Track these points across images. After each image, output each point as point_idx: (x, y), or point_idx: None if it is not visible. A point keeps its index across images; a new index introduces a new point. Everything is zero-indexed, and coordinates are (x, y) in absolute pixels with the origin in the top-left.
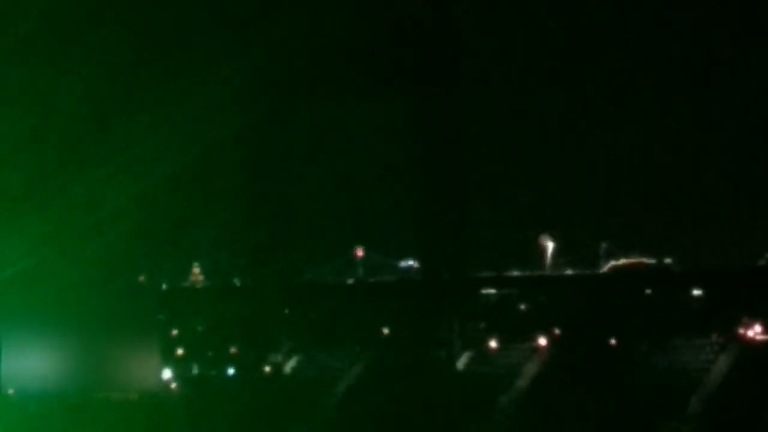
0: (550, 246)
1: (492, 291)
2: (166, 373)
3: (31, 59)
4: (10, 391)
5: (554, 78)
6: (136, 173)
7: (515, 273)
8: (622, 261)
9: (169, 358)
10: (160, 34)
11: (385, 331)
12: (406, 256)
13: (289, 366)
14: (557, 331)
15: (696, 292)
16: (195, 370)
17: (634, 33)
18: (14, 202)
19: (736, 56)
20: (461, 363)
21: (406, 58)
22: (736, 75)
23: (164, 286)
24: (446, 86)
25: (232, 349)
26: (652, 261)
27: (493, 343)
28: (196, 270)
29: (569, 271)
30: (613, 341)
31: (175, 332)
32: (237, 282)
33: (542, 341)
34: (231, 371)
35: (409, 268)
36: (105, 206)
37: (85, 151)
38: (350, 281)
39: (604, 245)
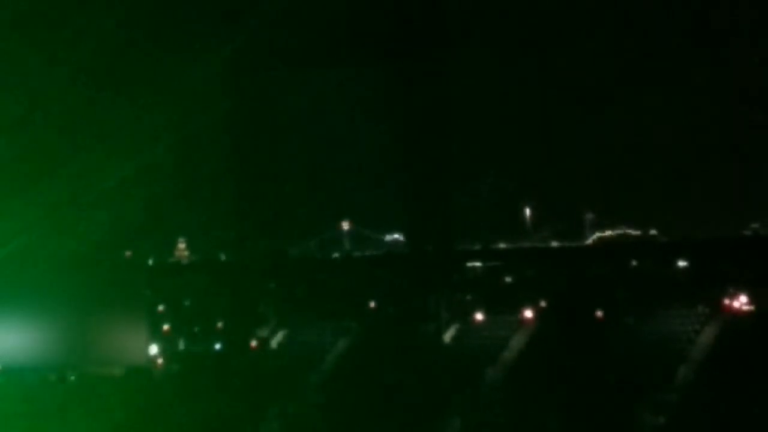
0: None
1: (478, 264)
2: (153, 349)
3: (18, 41)
4: None
5: (540, 48)
6: (122, 152)
7: (501, 245)
8: (608, 233)
9: (155, 334)
10: (141, 15)
11: (372, 304)
12: (392, 230)
13: (276, 341)
14: (543, 303)
15: (681, 263)
16: (181, 346)
17: (623, 5)
18: None
19: (721, 27)
20: (448, 336)
21: (392, 30)
22: (718, 44)
23: (150, 262)
24: (432, 58)
25: (219, 324)
26: (637, 232)
27: (479, 316)
28: (182, 245)
29: (555, 243)
30: (599, 313)
31: (161, 308)
32: (223, 257)
33: (528, 313)
34: (217, 346)
35: (396, 241)
36: (91, 184)
37: (71, 130)
38: (336, 255)
39: (589, 217)
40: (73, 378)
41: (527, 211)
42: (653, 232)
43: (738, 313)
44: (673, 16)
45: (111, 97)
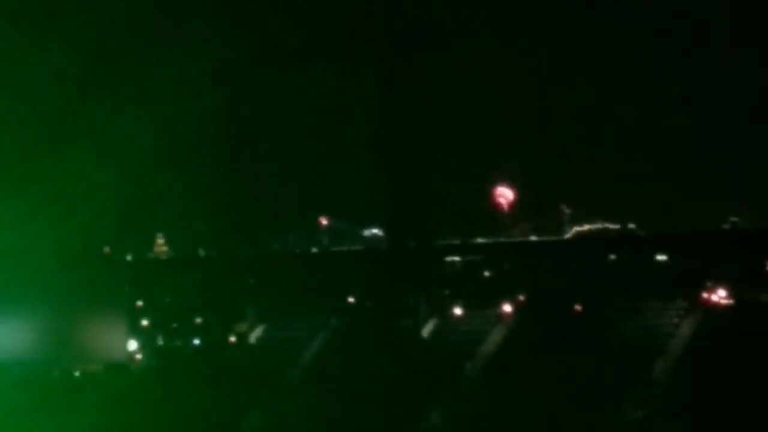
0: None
1: (457, 258)
2: (132, 345)
3: (5, 38)
4: None
5: (521, 43)
6: (102, 149)
7: (480, 240)
8: (586, 227)
9: (134, 330)
10: (124, 13)
11: (351, 299)
12: (370, 225)
13: (255, 336)
14: (522, 298)
15: (660, 257)
16: (160, 341)
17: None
18: None
19: (701, 18)
20: (427, 330)
21: (372, 25)
22: (696, 40)
23: (129, 258)
24: (413, 55)
25: (198, 320)
26: (616, 226)
27: (458, 311)
28: (160, 241)
29: (533, 238)
30: (578, 307)
31: (140, 303)
32: (202, 253)
33: (507, 308)
34: (196, 342)
35: (374, 236)
36: (70, 181)
37: (51, 129)
38: (315, 250)
39: (567, 211)
40: (55, 374)
41: (506, 206)
42: (632, 225)
43: (717, 307)
44: (652, 13)
45: (91, 95)
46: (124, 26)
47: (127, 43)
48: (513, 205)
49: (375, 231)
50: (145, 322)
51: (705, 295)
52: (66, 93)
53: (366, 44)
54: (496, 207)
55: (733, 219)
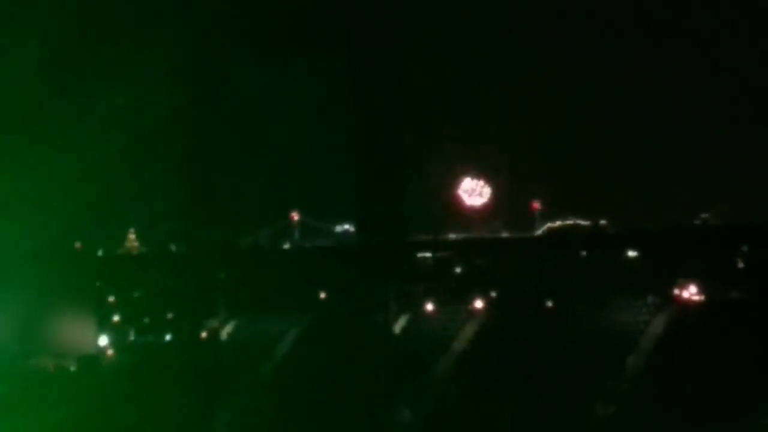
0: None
1: (428, 254)
2: (103, 340)
3: None
4: None
5: (492, 39)
6: (73, 143)
7: (452, 236)
8: (558, 223)
9: (105, 325)
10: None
11: (322, 295)
12: (342, 221)
13: (226, 331)
14: (494, 294)
15: (632, 253)
16: (132, 337)
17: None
18: None
19: (672, 17)
20: (398, 326)
21: (343, 22)
22: (673, 35)
23: (100, 253)
24: (385, 52)
25: (169, 315)
26: (587, 223)
27: (429, 306)
28: (132, 236)
29: (505, 234)
30: (549, 303)
31: (111, 299)
32: (173, 248)
33: (479, 303)
34: (168, 337)
35: (346, 232)
36: (42, 176)
37: (22, 124)
38: (286, 246)
39: (539, 207)
40: (22, 369)
41: (478, 202)
42: (603, 222)
43: (688, 303)
44: (620, 12)
45: (61, 92)
46: (94, 24)
47: (97, 40)
48: (486, 202)
49: (346, 227)
50: (116, 318)
51: (676, 291)
52: (36, 90)
53: (336, 40)
54: (466, 204)
55: (704, 216)
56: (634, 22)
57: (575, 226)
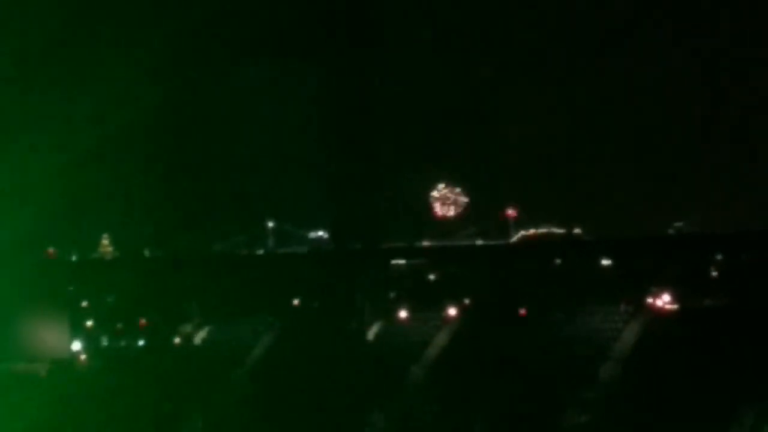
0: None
1: (402, 261)
2: (76, 345)
3: None
4: None
5: (466, 45)
6: (47, 146)
7: (426, 243)
8: (532, 231)
9: (78, 330)
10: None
11: (296, 301)
12: (316, 227)
13: (200, 337)
14: (467, 301)
15: (605, 261)
16: (105, 342)
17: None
18: None
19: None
20: (372, 333)
21: (320, 27)
22: (643, 39)
23: (74, 258)
24: (358, 59)
25: (142, 321)
26: (561, 231)
27: (403, 313)
28: (105, 242)
29: (479, 241)
30: (523, 310)
31: (84, 304)
32: (147, 253)
33: (452, 311)
34: (141, 342)
35: (320, 239)
36: (14, 179)
37: None
38: (261, 252)
39: (513, 215)
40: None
41: (452, 212)
42: (577, 230)
43: (661, 312)
44: (587, 17)
45: (33, 93)
46: (69, 22)
47: (71, 42)
48: (459, 212)
49: (320, 233)
50: (89, 323)
51: (649, 299)
52: (6, 91)
53: (311, 47)
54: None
55: (678, 224)
56: (606, 30)
57: (549, 234)
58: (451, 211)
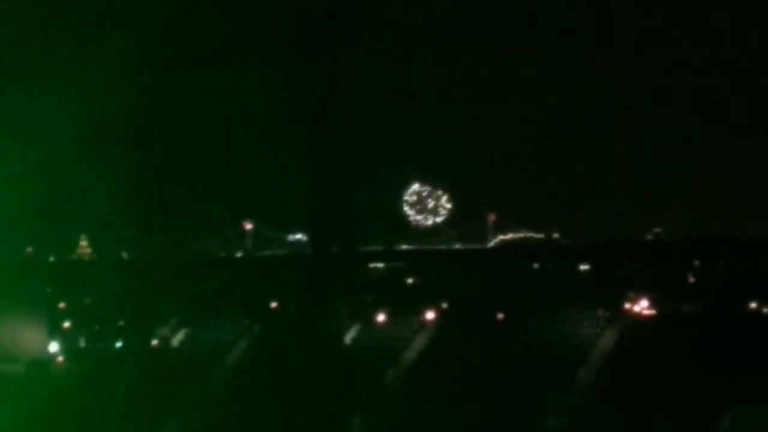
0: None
1: (380, 264)
2: (53, 347)
3: None
4: None
5: (442, 45)
6: (23, 145)
7: (404, 247)
8: (510, 235)
9: (56, 332)
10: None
11: (274, 304)
12: (295, 230)
13: (177, 339)
14: (445, 305)
15: (583, 266)
16: (82, 344)
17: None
18: None
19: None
20: (349, 336)
21: (296, 28)
22: (620, 45)
23: (51, 259)
24: (337, 61)
25: (120, 323)
26: (539, 235)
27: (381, 317)
28: (84, 243)
29: (457, 245)
30: (500, 315)
31: (62, 305)
32: (125, 255)
33: (430, 315)
34: (118, 344)
35: (298, 241)
36: None
37: None
38: (239, 254)
39: (491, 219)
40: None
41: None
42: (555, 235)
43: (639, 317)
44: (576, 21)
45: (8, 92)
46: (38, 19)
47: (49, 39)
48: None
49: (299, 236)
50: (67, 324)
51: (627, 305)
52: None
53: (287, 46)
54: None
55: (656, 230)
56: (582, 33)
57: (527, 239)
58: (429, 221)
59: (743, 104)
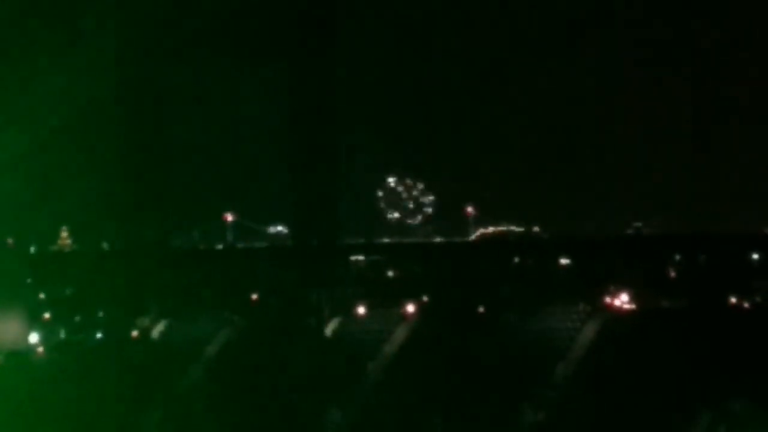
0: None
1: (361, 257)
2: (34, 337)
3: None
4: None
5: (427, 42)
6: (3, 137)
7: (385, 240)
8: (491, 229)
9: (36, 322)
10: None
11: (254, 296)
12: (275, 222)
13: (157, 330)
14: (425, 298)
15: (564, 260)
16: (62, 334)
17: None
18: None
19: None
20: (330, 329)
21: (282, 25)
22: (611, 39)
23: (32, 250)
24: (320, 55)
25: (100, 314)
26: (520, 229)
27: (361, 310)
28: (64, 234)
29: (438, 239)
30: (480, 308)
31: (42, 296)
32: (105, 246)
33: (410, 308)
34: (99, 336)
35: (279, 233)
36: None
37: None
38: (219, 246)
39: (472, 212)
40: None
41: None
42: (536, 229)
43: (619, 312)
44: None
45: None
46: (24, 15)
47: (36, 32)
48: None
49: (280, 228)
50: (47, 315)
51: (607, 299)
52: None
53: (274, 43)
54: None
55: (637, 224)
56: (562, 25)
57: (508, 232)
58: (408, 219)
59: (727, 103)
